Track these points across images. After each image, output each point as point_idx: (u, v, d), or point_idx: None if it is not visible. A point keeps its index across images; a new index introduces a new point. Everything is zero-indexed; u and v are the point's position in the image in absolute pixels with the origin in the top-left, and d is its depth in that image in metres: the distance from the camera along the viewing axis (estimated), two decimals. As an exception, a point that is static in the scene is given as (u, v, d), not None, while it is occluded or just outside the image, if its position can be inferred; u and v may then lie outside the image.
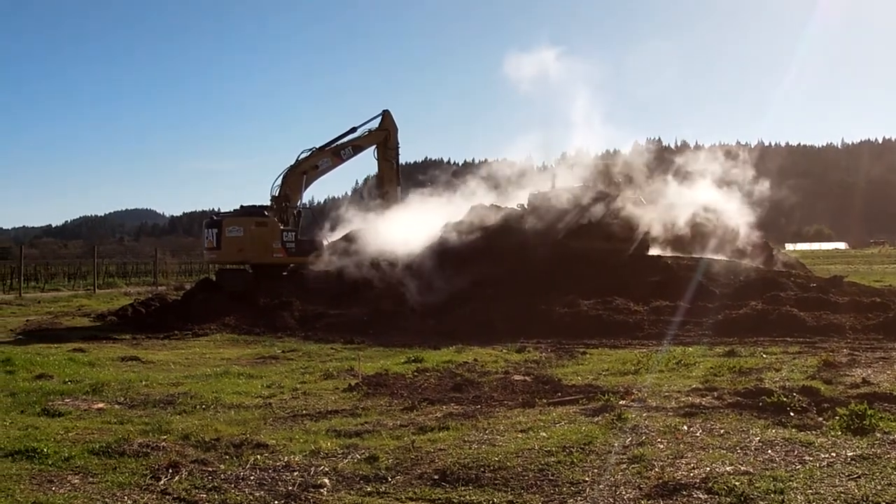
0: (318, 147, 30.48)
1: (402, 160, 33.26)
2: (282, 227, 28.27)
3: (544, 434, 8.62)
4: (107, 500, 6.82)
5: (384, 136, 31.70)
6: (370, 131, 31.59)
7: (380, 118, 31.80)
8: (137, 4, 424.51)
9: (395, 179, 32.20)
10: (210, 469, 7.60)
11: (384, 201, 31.54)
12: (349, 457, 7.96)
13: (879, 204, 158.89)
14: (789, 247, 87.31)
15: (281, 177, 29.50)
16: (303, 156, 30.02)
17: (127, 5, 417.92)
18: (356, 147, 31.41)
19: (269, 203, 28.94)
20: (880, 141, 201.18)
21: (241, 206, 28.75)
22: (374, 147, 31.73)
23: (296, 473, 7.44)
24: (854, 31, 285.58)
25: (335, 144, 30.96)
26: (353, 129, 31.17)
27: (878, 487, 6.50)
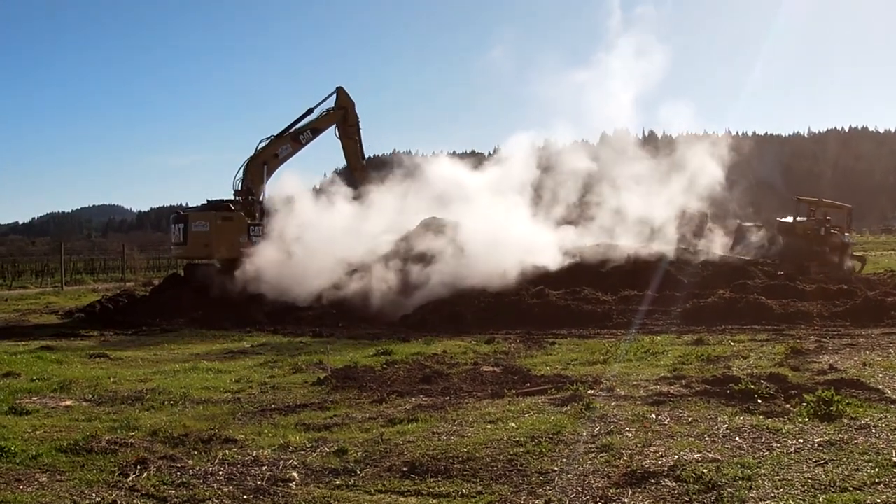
0: (276, 134, 29.61)
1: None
2: (249, 222, 27.65)
3: (513, 424, 8.65)
4: (75, 497, 6.78)
5: (342, 114, 30.55)
6: (328, 111, 30.46)
7: (335, 96, 30.63)
8: (102, 1, 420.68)
9: (362, 155, 31.55)
10: (179, 465, 7.57)
11: (358, 180, 30.46)
12: (318, 450, 7.96)
13: (846, 192, 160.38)
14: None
15: (242, 169, 28.82)
16: (262, 145, 29.27)
17: (90, 3, 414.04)
18: (315, 129, 30.35)
19: (233, 197, 28.47)
20: (846, 130, 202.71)
21: (208, 201, 28.35)
22: (334, 127, 30.75)
23: (264, 468, 7.44)
24: (821, 19, 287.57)
25: (293, 129, 29.98)
26: (311, 111, 30.17)
27: (846, 473, 6.57)
